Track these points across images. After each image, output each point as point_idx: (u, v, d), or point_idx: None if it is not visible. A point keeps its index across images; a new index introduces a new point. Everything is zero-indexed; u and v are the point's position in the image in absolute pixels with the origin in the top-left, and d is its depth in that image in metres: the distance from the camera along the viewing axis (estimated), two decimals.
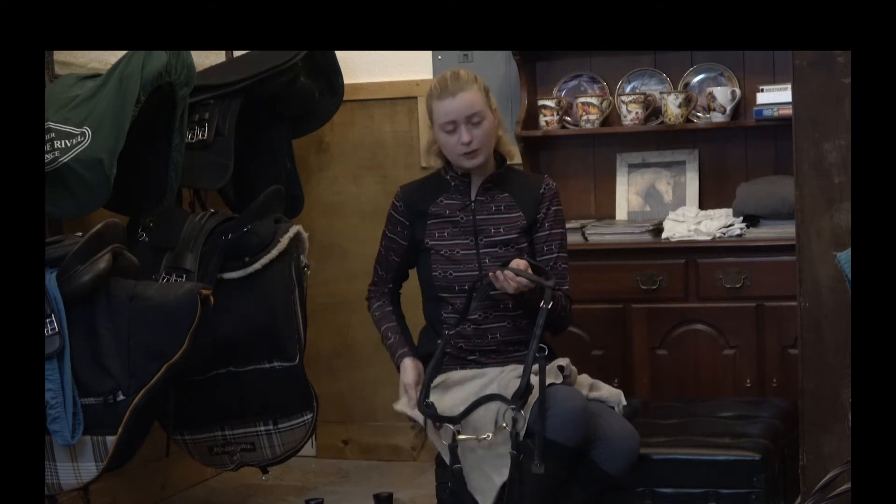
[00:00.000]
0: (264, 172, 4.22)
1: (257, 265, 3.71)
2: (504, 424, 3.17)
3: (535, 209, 3.47)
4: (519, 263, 3.30)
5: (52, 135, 3.40)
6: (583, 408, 3.15)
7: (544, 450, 3.08)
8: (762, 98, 4.24)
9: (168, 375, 3.29)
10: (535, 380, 3.16)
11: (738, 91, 4.38)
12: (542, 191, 3.50)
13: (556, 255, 3.48)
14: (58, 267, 3.25)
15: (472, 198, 3.47)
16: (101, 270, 3.27)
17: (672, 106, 4.37)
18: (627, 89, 4.56)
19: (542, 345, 3.18)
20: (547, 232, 3.48)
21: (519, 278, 3.24)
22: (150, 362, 3.27)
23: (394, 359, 3.50)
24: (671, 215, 4.37)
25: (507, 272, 3.25)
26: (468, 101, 3.38)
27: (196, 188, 4.11)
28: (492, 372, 3.36)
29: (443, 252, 3.44)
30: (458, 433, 3.22)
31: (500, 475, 3.20)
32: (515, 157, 3.78)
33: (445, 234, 3.45)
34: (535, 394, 3.15)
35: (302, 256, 3.80)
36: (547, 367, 3.17)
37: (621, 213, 4.58)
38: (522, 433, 3.14)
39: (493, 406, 3.23)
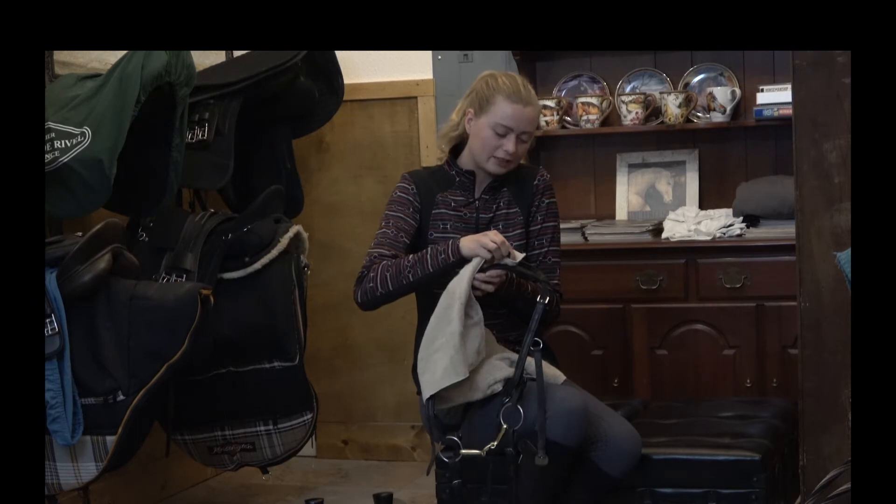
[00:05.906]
0: (264, 172, 4.22)
1: (257, 265, 3.71)
2: (501, 422, 3.14)
3: (529, 202, 3.46)
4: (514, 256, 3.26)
5: (52, 135, 3.39)
6: (583, 408, 3.14)
7: (545, 450, 3.07)
8: (762, 98, 4.24)
9: (168, 375, 3.29)
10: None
11: (738, 91, 4.38)
12: (535, 182, 3.48)
13: (546, 248, 3.46)
14: (58, 267, 3.25)
15: (476, 195, 3.46)
16: (101, 270, 3.27)
17: (672, 106, 4.37)
18: (627, 89, 4.56)
19: (536, 339, 3.16)
20: (539, 226, 3.46)
21: (491, 273, 3.19)
22: (150, 362, 3.27)
23: (449, 250, 3.24)
24: (671, 215, 4.37)
25: (484, 275, 3.19)
26: (533, 117, 3.39)
27: (196, 188, 4.11)
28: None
29: None
30: (460, 447, 3.19)
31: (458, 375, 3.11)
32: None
33: (448, 227, 3.42)
34: (532, 391, 3.13)
35: (302, 256, 3.80)
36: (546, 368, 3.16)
37: (621, 213, 4.58)
38: (517, 425, 3.10)
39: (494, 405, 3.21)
